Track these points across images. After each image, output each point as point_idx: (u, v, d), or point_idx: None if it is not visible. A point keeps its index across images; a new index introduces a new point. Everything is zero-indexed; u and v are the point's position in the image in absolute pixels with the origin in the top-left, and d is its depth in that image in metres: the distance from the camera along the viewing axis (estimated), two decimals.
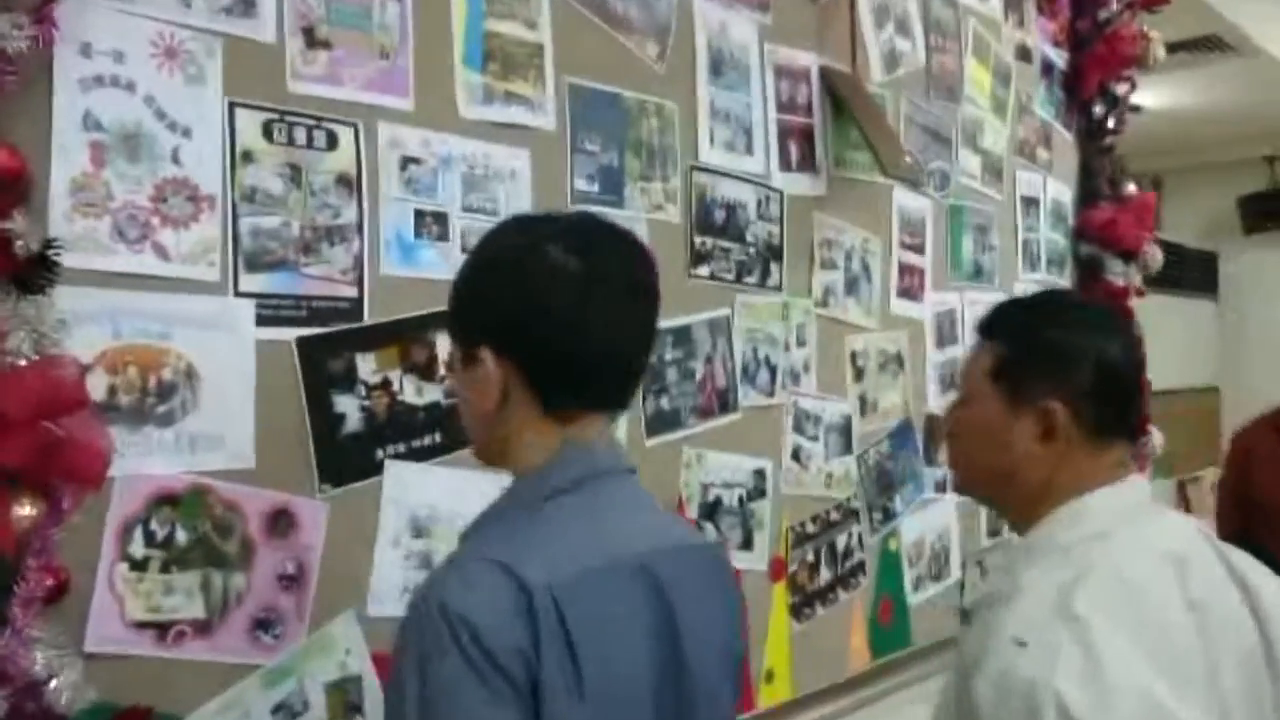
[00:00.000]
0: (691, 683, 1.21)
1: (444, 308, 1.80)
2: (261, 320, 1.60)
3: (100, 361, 1.41)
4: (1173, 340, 6.54)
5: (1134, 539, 1.43)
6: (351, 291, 1.71)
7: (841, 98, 2.64)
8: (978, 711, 1.26)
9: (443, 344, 1.83)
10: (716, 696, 1.25)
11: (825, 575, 2.64)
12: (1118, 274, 3.70)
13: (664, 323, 2.21)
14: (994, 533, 3.27)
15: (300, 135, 1.65)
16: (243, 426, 1.58)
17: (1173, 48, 4.14)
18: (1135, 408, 1.51)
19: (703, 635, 1.24)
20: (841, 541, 2.69)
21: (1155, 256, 3.76)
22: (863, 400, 2.77)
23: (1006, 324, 1.58)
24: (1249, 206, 7.76)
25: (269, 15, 1.61)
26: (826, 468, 2.64)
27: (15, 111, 1.34)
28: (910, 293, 2.95)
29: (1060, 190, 3.65)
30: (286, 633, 1.62)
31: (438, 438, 1.82)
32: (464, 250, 1.86)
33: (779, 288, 2.50)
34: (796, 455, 2.56)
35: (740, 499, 2.39)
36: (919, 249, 2.99)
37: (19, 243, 1.20)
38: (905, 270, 2.93)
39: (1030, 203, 3.48)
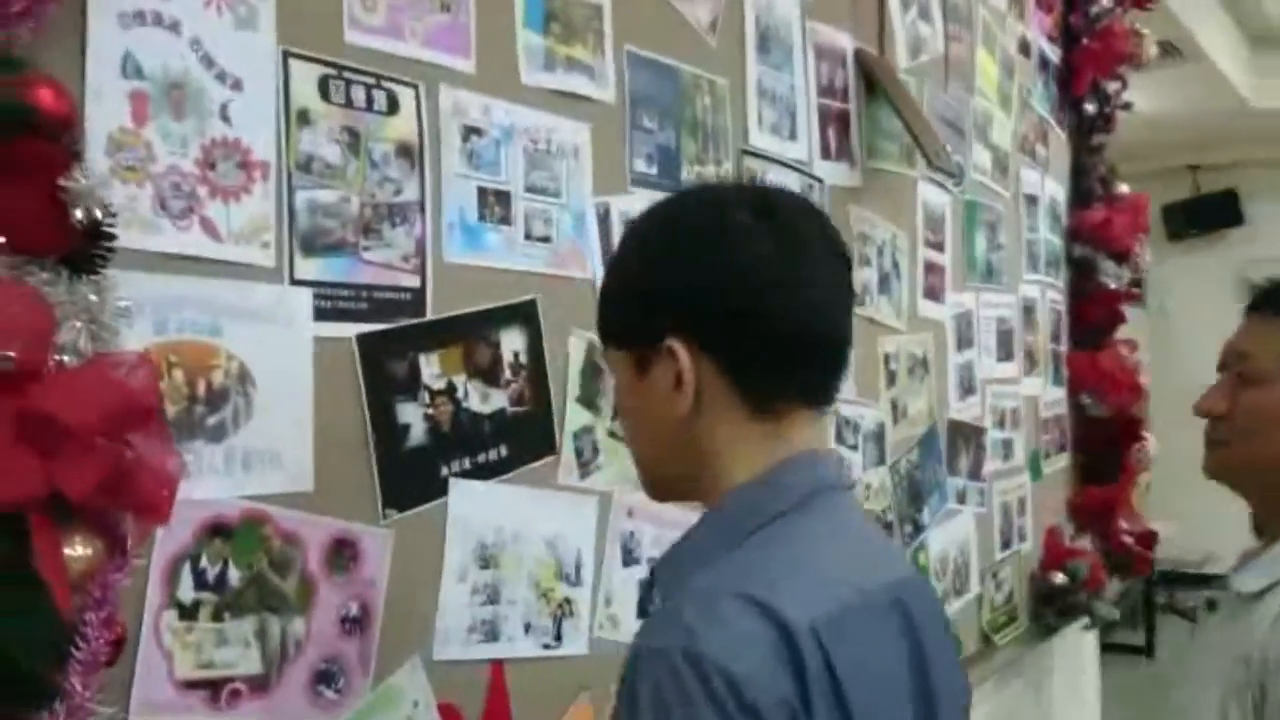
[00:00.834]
0: None
1: (508, 301, 1.60)
2: (319, 314, 1.34)
3: None
4: None
5: None
6: (413, 281, 1.46)
7: (878, 82, 2.46)
8: None
9: (508, 343, 1.59)
10: None
11: None
12: (1110, 276, 3.61)
13: None
14: (1005, 544, 3.13)
15: (359, 95, 1.40)
16: (300, 441, 1.32)
17: None
18: None
19: (947, 682, 1.03)
20: None
21: (1146, 258, 3.68)
22: (894, 406, 2.60)
23: None
24: (1172, 214, 7.88)
25: None
26: (865, 478, 2.45)
27: (40, 47, 1.06)
28: (934, 293, 2.79)
29: (1055, 189, 3.55)
30: (349, 686, 1.36)
31: (503, 451, 1.57)
32: (528, 236, 1.62)
33: None
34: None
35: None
36: (940, 246, 2.83)
37: (77, 211, 0.93)
38: (929, 269, 2.77)
39: (1031, 201, 3.37)
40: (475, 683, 1.54)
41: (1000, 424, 3.09)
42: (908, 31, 2.69)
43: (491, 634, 1.55)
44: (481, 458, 1.54)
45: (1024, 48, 3.34)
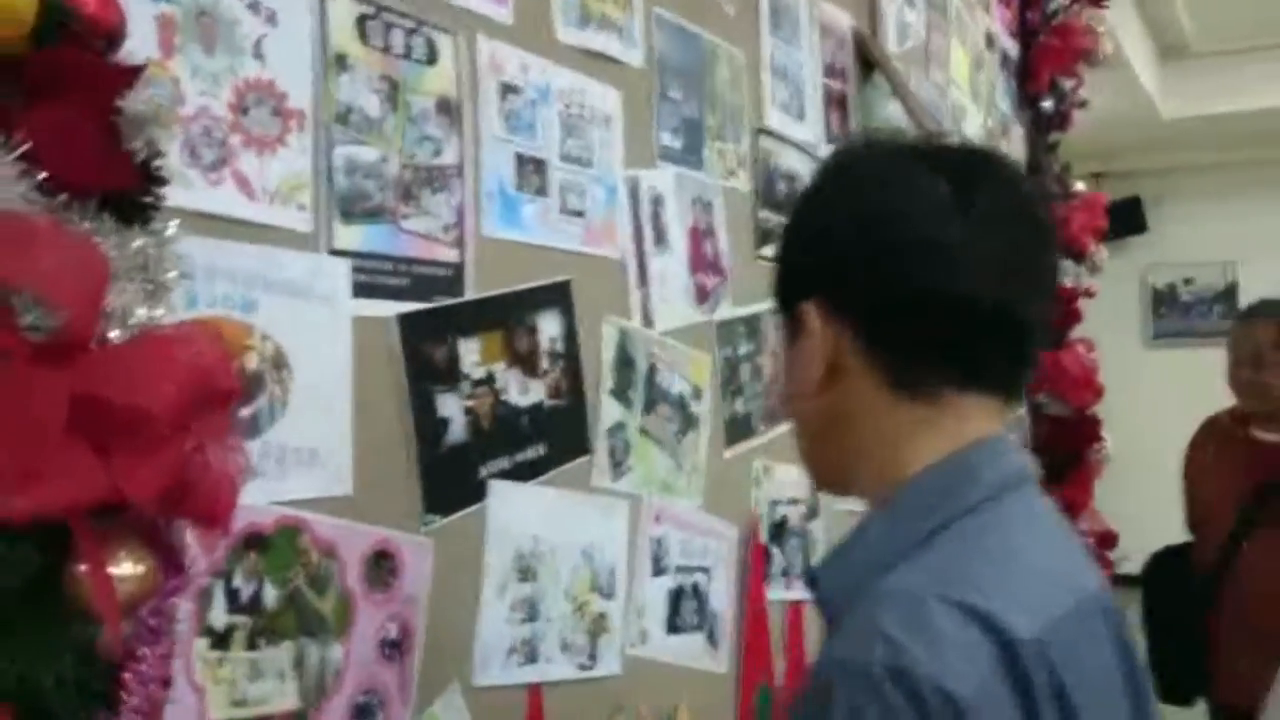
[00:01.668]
0: None
1: (544, 281, 1.43)
2: (358, 289, 1.16)
3: None
4: None
5: None
6: (453, 255, 1.28)
7: (877, 64, 2.35)
8: None
9: (545, 329, 1.42)
10: None
11: None
12: (1068, 274, 3.58)
13: (735, 311, 1.87)
14: None
15: (398, 40, 1.22)
16: (339, 437, 1.13)
17: None
18: None
19: (1150, 702, 0.89)
20: None
21: (1102, 255, 3.66)
22: None
23: None
24: None
25: None
26: None
27: None
28: None
29: None
30: (389, 719, 1.18)
31: (540, 450, 1.40)
32: (563, 210, 1.45)
33: None
34: None
35: (802, 517, 2.05)
36: None
37: (135, 141, 0.74)
38: None
39: None
40: (514, 710, 1.36)
41: None
42: (896, 16, 2.59)
43: (530, 655, 1.38)
44: (520, 457, 1.37)
45: (990, 42, 3.29)
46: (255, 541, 1.04)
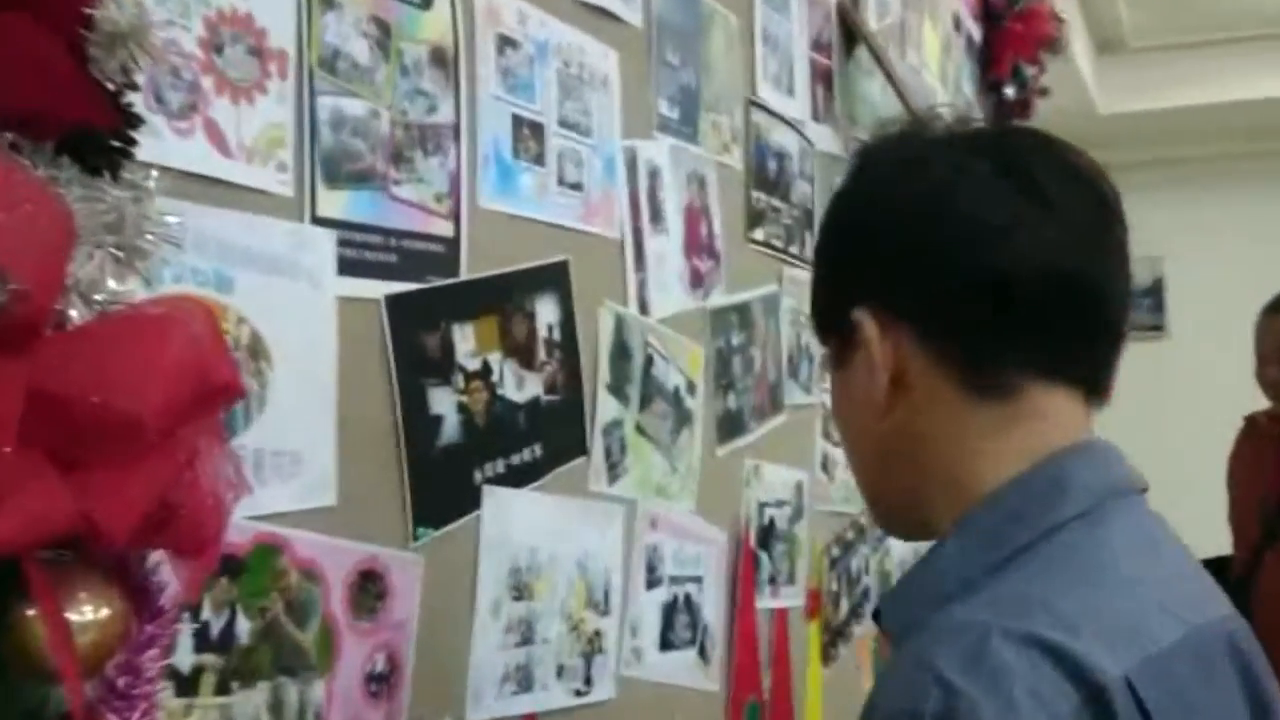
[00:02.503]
0: None
1: (541, 262, 1.27)
2: (344, 265, 0.99)
3: None
4: None
5: None
6: (446, 229, 1.12)
7: (863, 38, 2.23)
8: None
9: (543, 315, 1.26)
10: None
11: (845, 606, 2.21)
12: None
13: (728, 298, 1.73)
14: None
15: None
16: (323, 439, 0.96)
17: None
18: None
19: None
20: (855, 564, 2.27)
21: None
22: None
23: None
24: None
25: None
26: (846, 477, 2.20)
27: None
28: None
29: None
30: None
31: (537, 452, 1.25)
32: (560, 181, 1.30)
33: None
34: (824, 464, 2.11)
35: (788, 520, 1.92)
36: None
37: (110, 64, 0.57)
38: None
39: None
40: None
41: None
42: None
43: (525, 683, 1.22)
44: (515, 459, 1.21)
45: (957, 24, 3.19)
46: (227, 565, 0.87)
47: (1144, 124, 6.87)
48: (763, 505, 1.83)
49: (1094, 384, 0.78)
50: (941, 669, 0.62)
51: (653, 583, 1.49)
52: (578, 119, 1.33)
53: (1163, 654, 0.67)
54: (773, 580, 1.85)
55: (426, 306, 1.08)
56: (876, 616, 0.80)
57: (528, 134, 1.24)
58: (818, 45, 2.11)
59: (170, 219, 0.61)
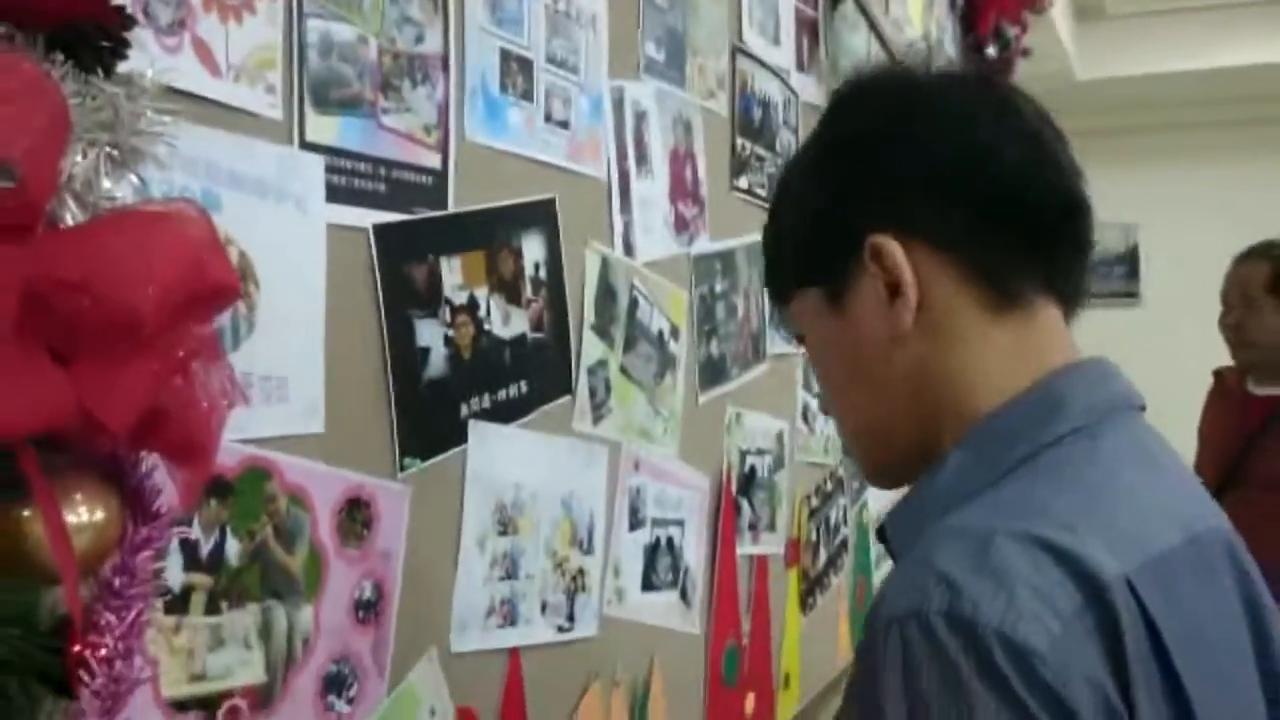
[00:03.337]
0: None
1: (529, 198, 1.27)
2: (332, 192, 0.98)
3: None
4: None
5: None
6: (434, 160, 1.11)
7: None
8: None
9: (530, 251, 1.26)
10: None
11: (823, 556, 2.23)
12: None
13: (712, 245, 1.73)
14: None
15: None
16: (311, 366, 0.96)
17: None
18: None
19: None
20: (834, 515, 2.29)
21: None
22: None
23: None
24: None
25: None
26: (827, 429, 2.22)
27: None
28: None
29: None
30: (362, 692, 1.02)
31: (522, 388, 1.25)
32: (548, 118, 1.29)
33: None
34: (805, 414, 2.12)
35: (769, 468, 1.93)
36: None
37: None
38: None
39: None
40: (491, 678, 1.22)
41: None
42: None
43: (510, 617, 1.23)
44: (501, 395, 1.21)
45: None
46: (217, 486, 0.87)
47: (1121, 90, 6.88)
48: (744, 453, 1.84)
49: (1074, 299, 0.81)
50: (945, 569, 0.64)
51: (635, 524, 1.50)
52: (565, 56, 1.33)
53: (1163, 557, 0.68)
54: (753, 527, 1.87)
55: (414, 237, 1.08)
56: (881, 534, 0.81)
57: (515, 69, 1.23)
58: None
59: (165, 118, 0.60)
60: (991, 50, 3.51)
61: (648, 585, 1.53)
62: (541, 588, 1.29)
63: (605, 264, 1.41)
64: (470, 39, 1.16)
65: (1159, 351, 6.93)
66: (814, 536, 2.17)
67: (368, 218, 1.02)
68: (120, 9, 0.60)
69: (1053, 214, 0.78)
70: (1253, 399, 2.64)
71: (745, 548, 1.84)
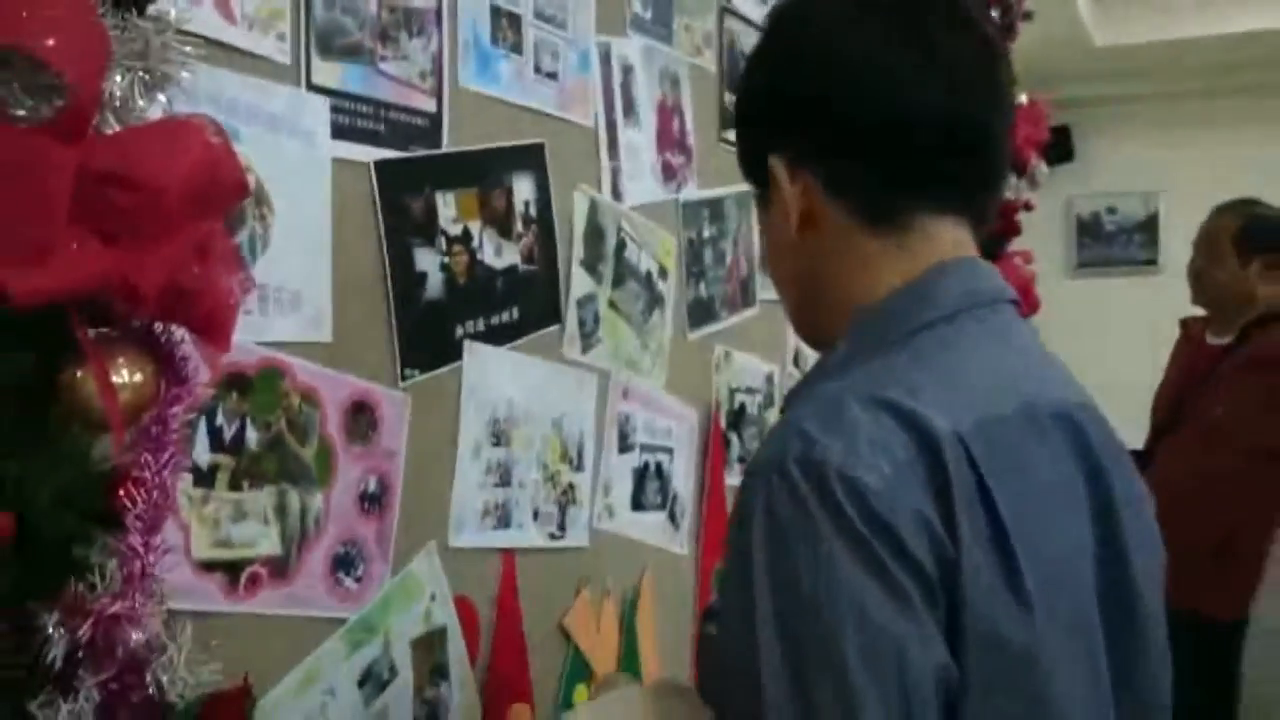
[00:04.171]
0: (1136, 590, 0.86)
1: (519, 142, 1.40)
2: (337, 130, 1.12)
3: None
4: None
5: None
6: (429, 104, 1.24)
7: None
8: None
9: (520, 191, 1.39)
10: (1158, 613, 0.91)
11: None
12: (1010, 188, 3.61)
13: (700, 193, 1.85)
14: None
15: None
16: (320, 282, 1.10)
17: None
18: None
19: (1139, 525, 0.87)
20: None
21: (1043, 170, 3.70)
22: None
23: None
24: None
25: None
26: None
27: None
28: None
29: None
30: (369, 573, 1.16)
31: (515, 314, 1.38)
32: (537, 70, 1.42)
33: None
34: (796, 359, 2.24)
35: (759, 406, 2.06)
36: None
37: None
38: None
39: None
40: (487, 574, 1.36)
41: None
42: None
43: (504, 520, 1.37)
44: (494, 319, 1.35)
45: None
46: (237, 381, 1.01)
47: (1137, 57, 6.91)
48: (733, 390, 1.97)
49: (979, 213, 0.89)
50: (803, 425, 0.75)
51: (625, 448, 1.63)
52: (553, 12, 1.45)
53: (995, 419, 0.79)
54: (743, 460, 1.99)
55: (411, 173, 1.21)
56: (786, 401, 0.93)
57: (505, 24, 1.36)
58: None
59: (187, 48, 0.73)
60: (993, 14, 3.59)
61: (637, 505, 1.66)
62: (534, 496, 1.42)
63: (593, 205, 1.54)
64: None
65: (1179, 318, 6.99)
66: None
67: (369, 154, 1.16)
68: None
69: (938, 142, 0.83)
70: (1206, 347, 2.76)
71: (735, 479, 1.96)
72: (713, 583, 1.87)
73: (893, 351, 0.83)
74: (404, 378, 1.20)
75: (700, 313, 1.85)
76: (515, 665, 1.38)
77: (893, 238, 0.86)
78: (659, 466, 1.73)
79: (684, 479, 1.80)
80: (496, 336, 1.35)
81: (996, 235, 3.61)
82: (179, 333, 0.76)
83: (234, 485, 1.00)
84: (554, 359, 1.47)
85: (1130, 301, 7.39)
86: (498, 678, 1.35)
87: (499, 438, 1.35)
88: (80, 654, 0.69)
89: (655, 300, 1.71)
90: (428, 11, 1.23)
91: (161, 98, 0.73)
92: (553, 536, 1.46)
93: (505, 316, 1.37)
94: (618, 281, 1.60)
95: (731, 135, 1.94)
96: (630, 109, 1.63)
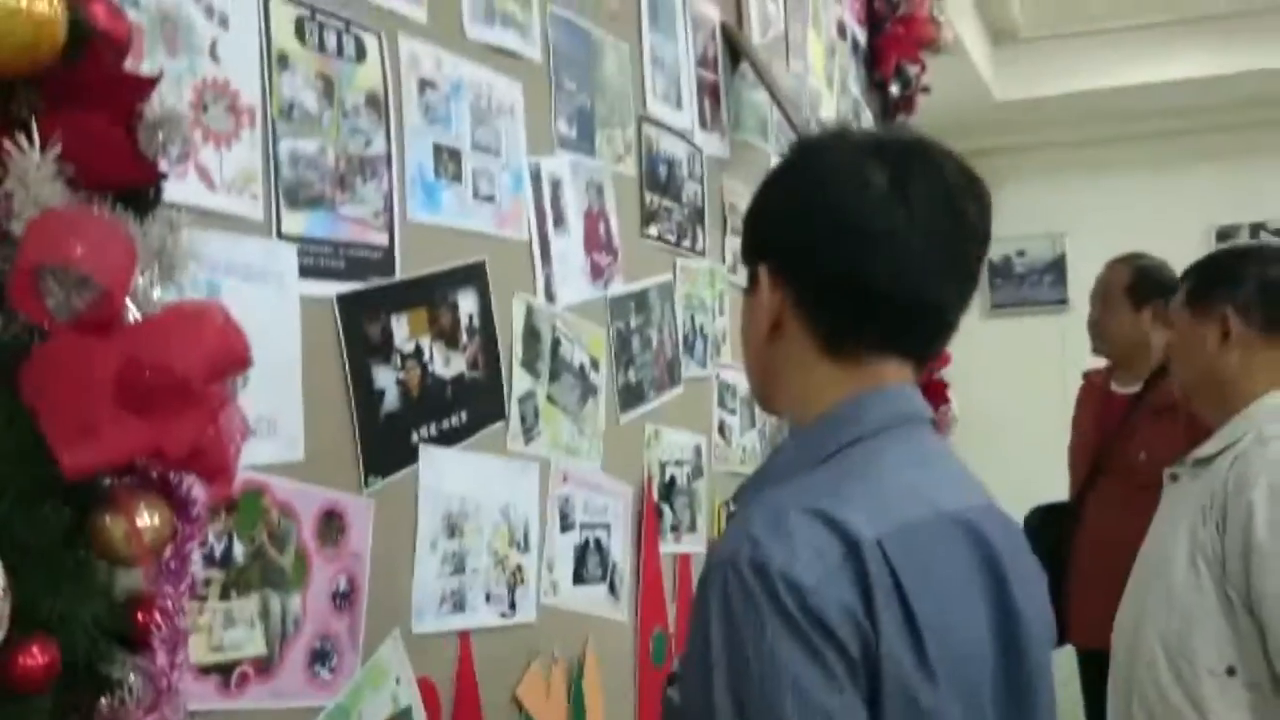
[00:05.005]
0: (1028, 667, 1.03)
1: (462, 262, 1.55)
2: (304, 271, 1.26)
3: None
4: None
5: None
6: (383, 239, 1.39)
7: (744, 55, 2.53)
8: (1253, 509, 1.70)
9: (464, 305, 1.54)
10: (1047, 688, 1.08)
11: None
12: None
13: (626, 287, 2.02)
14: None
15: (331, 40, 1.32)
16: (292, 407, 1.24)
17: None
18: None
19: (1032, 611, 1.05)
20: None
21: None
22: None
23: None
24: None
25: None
26: (742, 441, 2.51)
27: None
28: None
29: None
30: (342, 664, 1.29)
31: (464, 417, 1.53)
32: (476, 195, 1.58)
33: (703, 253, 2.35)
34: (722, 430, 2.41)
35: (688, 477, 2.22)
36: None
37: (154, 140, 0.84)
38: None
39: None
40: (445, 655, 1.49)
41: None
42: (759, 8, 2.77)
43: (459, 605, 1.50)
44: (446, 424, 1.49)
45: (841, 30, 3.50)
46: (224, 503, 1.14)
47: (1037, 109, 7.27)
48: (664, 464, 2.13)
49: (922, 358, 1.07)
50: (753, 531, 0.93)
51: (566, 527, 1.78)
52: (489, 142, 1.61)
53: (909, 526, 0.97)
54: (675, 529, 2.15)
55: (368, 301, 1.36)
56: (736, 495, 1.10)
57: (447, 158, 1.52)
58: (704, 62, 2.40)
59: (195, 247, 0.88)
60: (894, 89, 3.83)
61: (579, 579, 1.81)
62: (485, 580, 1.56)
63: (530, 310, 1.70)
64: (408, 138, 1.44)
65: (1089, 354, 7.31)
66: None
67: (332, 288, 1.30)
68: (157, 171, 0.88)
69: (889, 308, 1.00)
70: (1114, 396, 2.97)
71: (669, 547, 2.12)
72: (651, 644, 2.02)
73: (830, 462, 1.00)
74: (367, 484, 1.35)
75: (630, 396, 2.01)
76: None
77: (841, 366, 1.04)
78: (598, 542, 1.87)
79: (621, 551, 1.94)
80: (448, 438, 1.50)
81: None
82: (190, 478, 0.90)
83: (224, 595, 1.14)
84: (499, 453, 1.61)
85: (1042, 339, 7.72)
86: None
87: (453, 530, 1.50)
88: None
89: (589, 390, 1.87)
90: (379, 158, 1.39)
91: (174, 288, 0.88)
92: (504, 615, 1.60)
93: (455, 420, 1.51)
94: (554, 376, 1.76)
95: (653, 231, 2.12)
96: (560, 220, 1.79)
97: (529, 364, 1.69)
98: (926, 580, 0.95)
